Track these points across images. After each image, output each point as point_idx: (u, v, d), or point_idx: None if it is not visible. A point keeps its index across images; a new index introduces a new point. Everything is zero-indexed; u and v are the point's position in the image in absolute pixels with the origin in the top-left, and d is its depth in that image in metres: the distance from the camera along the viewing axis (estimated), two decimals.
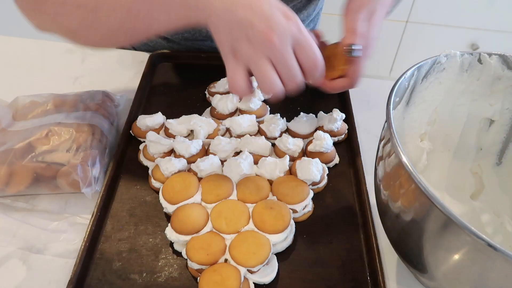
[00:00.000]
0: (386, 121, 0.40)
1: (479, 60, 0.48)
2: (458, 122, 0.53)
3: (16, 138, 0.54)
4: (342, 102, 0.67)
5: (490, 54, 0.48)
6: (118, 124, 0.63)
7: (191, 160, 0.56)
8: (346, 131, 0.62)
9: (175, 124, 0.60)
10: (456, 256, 0.35)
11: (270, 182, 0.54)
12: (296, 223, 0.52)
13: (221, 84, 0.67)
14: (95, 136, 0.55)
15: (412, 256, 0.42)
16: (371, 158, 0.53)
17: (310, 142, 0.59)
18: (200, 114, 0.64)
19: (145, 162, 0.57)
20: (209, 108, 0.66)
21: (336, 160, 0.59)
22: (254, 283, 0.46)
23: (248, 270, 0.46)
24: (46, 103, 0.60)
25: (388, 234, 0.48)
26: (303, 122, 0.61)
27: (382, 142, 0.43)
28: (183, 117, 0.62)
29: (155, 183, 0.54)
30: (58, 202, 0.54)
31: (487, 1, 1.67)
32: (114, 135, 0.60)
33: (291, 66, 0.43)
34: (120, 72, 0.74)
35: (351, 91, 0.68)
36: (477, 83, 0.50)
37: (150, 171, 0.55)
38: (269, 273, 0.46)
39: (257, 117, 0.62)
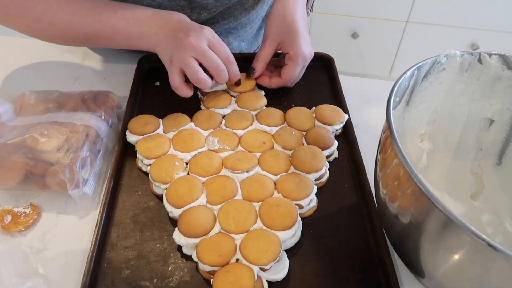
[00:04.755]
0: (386, 121, 0.40)
1: (479, 60, 0.48)
2: (458, 122, 0.53)
3: (13, 134, 0.54)
4: (336, 96, 0.68)
5: (490, 54, 0.48)
6: (118, 126, 0.63)
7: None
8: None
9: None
10: (456, 256, 0.35)
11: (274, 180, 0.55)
12: (302, 218, 0.52)
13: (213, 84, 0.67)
14: (89, 138, 0.55)
15: (412, 257, 0.42)
16: (371, 158, 0.53)
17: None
18: None
19: (144, 168, 0.57)
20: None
21: (336, 154, 0.60)
22: (267, 281, 0.46)
23: (260, 269, 0.46)
24: (49, 100, 0.60)
25: (388, 235, 0.48)
26: None
27: (382, 142, 0.43)
28: None
29: (156, 188, 0.54)
30: (58, 201, 0.54)
31: (487, 1, 1.68)
32: (112, 137, 0.60)
33: (210, 57, 0.56)
34: (120, 73, 0.74)
35: (351, 91, 0.68)
36: (477, 83, 0.50)
37: (150, 177, 0.55)
38: (280, 270, 0.47)
39: (252, 110, 0.63)
